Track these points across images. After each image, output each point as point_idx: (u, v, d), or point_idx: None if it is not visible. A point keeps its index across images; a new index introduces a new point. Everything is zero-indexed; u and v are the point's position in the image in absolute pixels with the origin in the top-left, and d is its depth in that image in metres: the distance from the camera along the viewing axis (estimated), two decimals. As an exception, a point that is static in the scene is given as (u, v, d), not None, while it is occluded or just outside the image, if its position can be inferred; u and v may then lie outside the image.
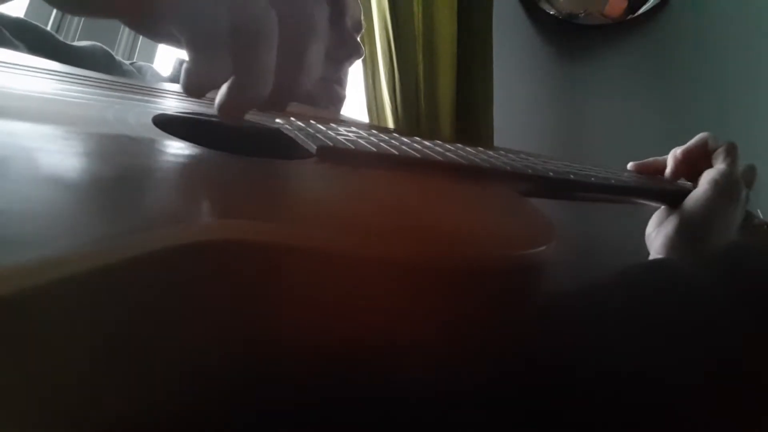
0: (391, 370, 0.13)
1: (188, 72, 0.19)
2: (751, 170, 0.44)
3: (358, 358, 0.13)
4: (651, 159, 0.47)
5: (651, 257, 0.40)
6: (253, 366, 0.12)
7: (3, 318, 0.08)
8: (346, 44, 0.51)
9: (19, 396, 0.09)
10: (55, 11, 0.68)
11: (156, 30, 0.23)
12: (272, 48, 0.20)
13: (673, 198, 0.42)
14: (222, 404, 0.12)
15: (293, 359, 0.13)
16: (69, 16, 0.69)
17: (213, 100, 0.21)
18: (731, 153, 0.41)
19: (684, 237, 0.39)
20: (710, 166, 0.42)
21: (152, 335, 0.11)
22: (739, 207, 0.40)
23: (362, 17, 0.56)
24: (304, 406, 0.13)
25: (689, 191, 0.41)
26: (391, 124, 0.90)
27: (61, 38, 0.44)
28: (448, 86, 0.92)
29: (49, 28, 0.66)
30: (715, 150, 0.42)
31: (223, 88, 0.20)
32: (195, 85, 0.20)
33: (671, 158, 0.45)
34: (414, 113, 0.90)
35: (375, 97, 0.93)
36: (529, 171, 0.29)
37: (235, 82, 0.20)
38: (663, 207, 0.43)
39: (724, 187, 0.39)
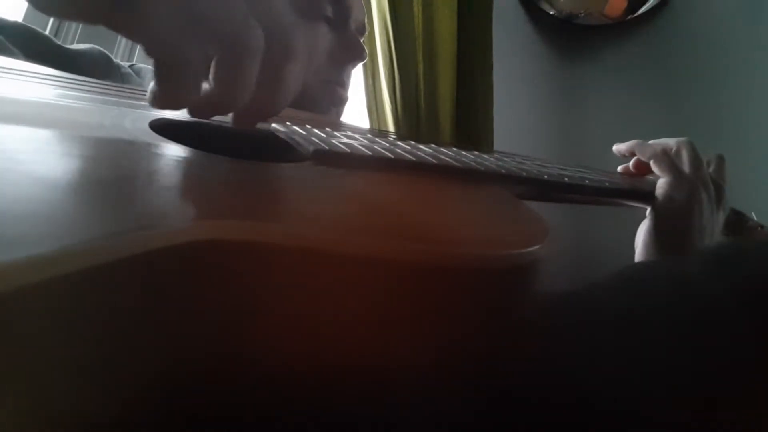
0: (388, 369, 0.13)
1: (154, 93, 0.19)
2: (719, 161, 0.45)
3: (354, 358, 0.13)
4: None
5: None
6: (246, 366, 0.12)
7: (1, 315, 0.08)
8: (349, 47, 0.51)
9: (11, 392, 0.09)
10: (54, 13, 0.68)
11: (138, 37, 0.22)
12: (255, 61, 0.20)
13: None
14: (217, 404, 0.12)
15: (288, 360, 0.13)
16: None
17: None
18: (662, 161, 0.42)
19: (656, 249, 0.40)
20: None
21: (148, 333, 0.11)
22: (704, 205, 0.40)
23: (366, 20, 0.56)
24: (302, 409, 0.13)
25: None
26: (391, 125, 0.90)
27: (58, 42, 0.44)
28: (448, 86, 0.92)
29: (48, 31, 0.67)
30: (648, 161, 0.43)
31: (201, 97, 0.20)
32: (164, 101, 0.20)
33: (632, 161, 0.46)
34: (414, 113, 0.90)
35: (375, 98, 0.93)
36: (524, 174, 0.29)
37: (213, 93, 0.20)
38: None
39: (674, 196, 0.40)
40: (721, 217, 0.43)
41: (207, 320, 0.12)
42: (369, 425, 0.13)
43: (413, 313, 0.14)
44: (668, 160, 0.42)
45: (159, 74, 0.19)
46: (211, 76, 0.19)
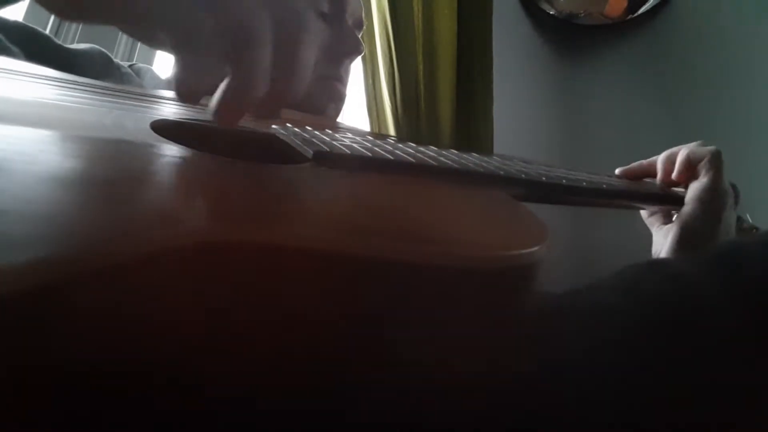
0: (390, 369, 0.13)
1: (177, 77, 0.20)
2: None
3: (355, 357, 0.13)
4: (636, 164, 0.47)
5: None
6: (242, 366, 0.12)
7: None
8: (346, 41, 0.51)
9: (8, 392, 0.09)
10: (54, 13, 0.68)
11: (150, 36, 0.23)
12: (266, 46, 0.20)
13: (662, 202, 0.43)
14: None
15: (292, 359, 0.13)
16: (69, 18, 0.68)
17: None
18: (714, 164, 0.42)
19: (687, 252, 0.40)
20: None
21: (146, 334, 0.11)
22: (729, 208, 0.40)
23: (363, 15, 0.55)
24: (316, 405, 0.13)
25: (677, 195, 0.42)
26: (391, 124, 0.90)
27: (58, 42, 0.44)
28: (448, 86, 0.92)
29: (48, 30, 0.66)
30: (698, 162, 0.43)
31: (219, 90, 0.20)
32: (185, 89, 0.20)
33: (660, 165, 0.45)
34: (414, 113, 0.90)
35: (375, 97, 0.93)
36: (523, 176, 0.29)
37: (230, 83, 0.20)
38: (663, 223, 0.44)
39: (710, 202, 0.40)
40: (733, 220, 0.43)
41: (207, 320, 0.12)
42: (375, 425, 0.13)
43: (412, 313, 0.14)
44: (721, 164, 0.42)
45: (178, 67, 0.20)
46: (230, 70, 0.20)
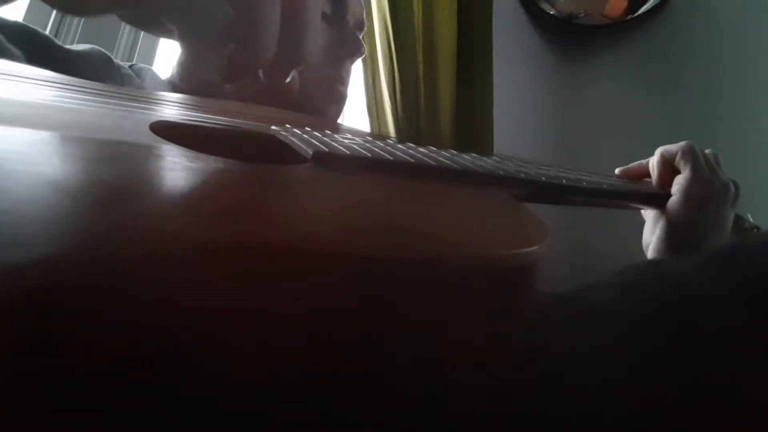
0: (387, 368, 0.13)
1: (185, 67, 0.20)
2: (715, 157, 0.45)
3: (352, 358, 0.13)
4: (636, 163, 0.47)
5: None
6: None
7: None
8: (347, 42, 0.51)
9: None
10: (54, 13, 0.68)
11: (155, 23, 0.23)
12: (275, 2, 0.20)
13: (661, 201, 0.43)
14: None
15: (293, 361, 0.13)
16: (68, 19, 0.69)
17: (209, 108, 0.21)
18: (688, 156, 0.42)
19: (672, 245, 0.40)
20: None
21: (145, 335, 0.11)
22: (719, 202, 0.41)
23: (364, 16, 0.55)
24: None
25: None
26: (391, 124, 0.90)
27: (59, 42, 0.44)
28: (448, 86, 0.93)
29: (48, 30, 0.67)
30: (673, 159, 0.43)
31: (230, 48, 0.20)
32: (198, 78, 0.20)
33: (655, 168, 0.46)
34: (414, 113, 0.90)
35: (375, 97, 0.93)
36: (522, 175, 0.29)
37: (240, 37, 0.20)
38: (654, 213, 0.44)
39: (694, 192, 0.41)
40: (731, 216, 0.43)
41: (207, 321, 0.12)
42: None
43: (410, 314, 0.14)
44: (695, 154, 0.42)
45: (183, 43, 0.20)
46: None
